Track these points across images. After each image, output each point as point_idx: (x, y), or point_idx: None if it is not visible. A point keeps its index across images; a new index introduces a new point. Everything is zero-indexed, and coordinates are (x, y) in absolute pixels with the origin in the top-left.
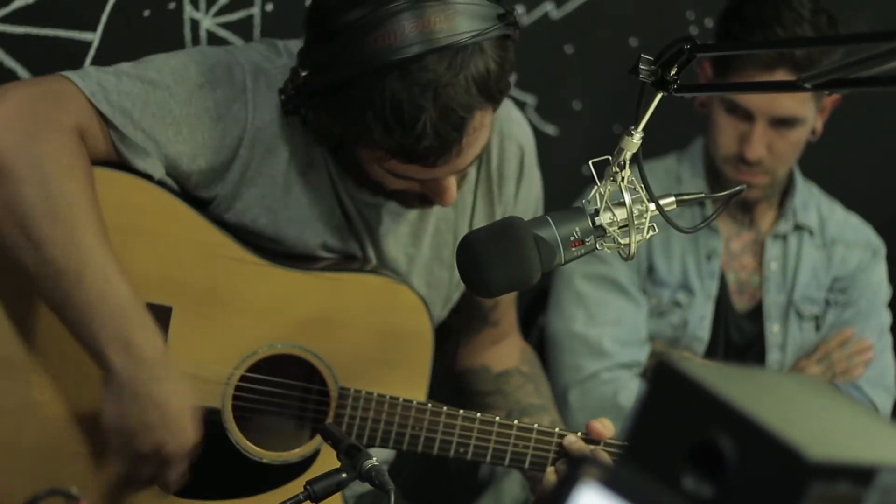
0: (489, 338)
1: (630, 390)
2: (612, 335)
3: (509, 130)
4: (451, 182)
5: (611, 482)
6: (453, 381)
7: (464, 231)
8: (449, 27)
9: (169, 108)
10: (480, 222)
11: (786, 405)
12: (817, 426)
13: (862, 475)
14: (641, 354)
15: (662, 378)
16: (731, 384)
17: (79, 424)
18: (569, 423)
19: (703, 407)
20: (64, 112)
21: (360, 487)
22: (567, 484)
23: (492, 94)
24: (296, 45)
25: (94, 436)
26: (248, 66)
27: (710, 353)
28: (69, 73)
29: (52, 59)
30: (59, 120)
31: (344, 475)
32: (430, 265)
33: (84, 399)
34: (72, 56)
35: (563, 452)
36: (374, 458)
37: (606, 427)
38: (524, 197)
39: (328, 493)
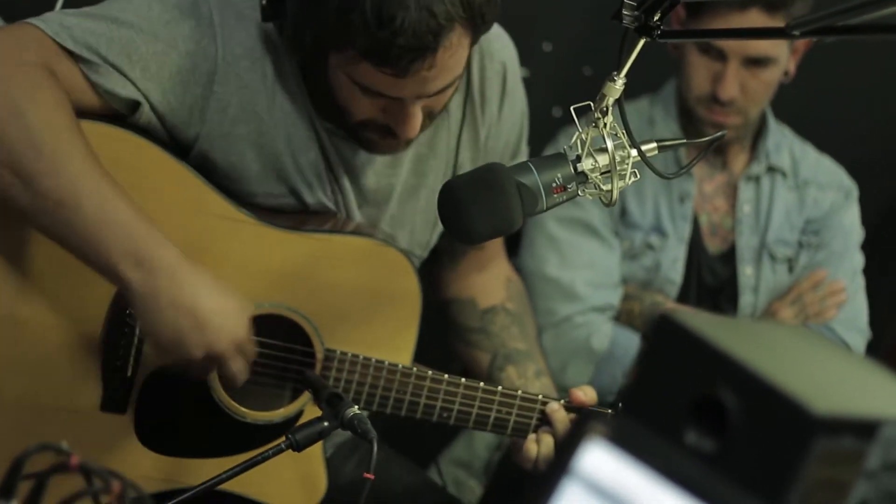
0: (475, 260)
1: (603, 333)
2: (584, 278)
3: (489, 48)
4: (416, 110)
5: (617, 438)
6: (439, 309)
7: (448, 153)
8: None
9: (135, 46)
10: (466, 144)
11: (788, 358)
12: (820, 380)
13: (865, 429)
14: (614, 297)
15: (663, 332)
16: (733, 338)
17: (59, 378)
18: None
19: (706, 361)
20: (28, 51)
21: (339, 437)
22: (573, 441)
23: (474, 15)
24: None
25: (72, 389)
26: (213, 0)
27: (683, 295)
28: (30, 20)
29: (20, 6)
30: (25, 57)
31: (326, 423)
32: (414, 191)
33: (64, 352)
34: (40, 1)
35: (545, 420)
36: (356, 407)
37: (588, 395)
38: (507, 115)
39: (310, 442)
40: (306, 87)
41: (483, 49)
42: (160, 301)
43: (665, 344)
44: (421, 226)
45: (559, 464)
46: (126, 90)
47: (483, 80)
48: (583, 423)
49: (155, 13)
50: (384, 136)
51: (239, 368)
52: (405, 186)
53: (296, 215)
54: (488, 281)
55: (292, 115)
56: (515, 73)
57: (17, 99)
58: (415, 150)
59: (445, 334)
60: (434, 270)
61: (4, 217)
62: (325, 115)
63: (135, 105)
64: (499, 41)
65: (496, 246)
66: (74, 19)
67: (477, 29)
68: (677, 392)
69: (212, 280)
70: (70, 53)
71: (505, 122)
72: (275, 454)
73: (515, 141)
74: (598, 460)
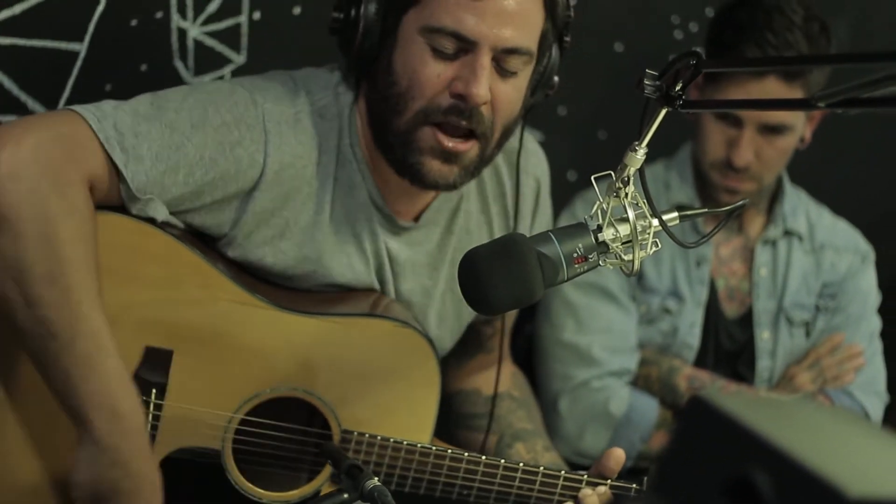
0: (481, 363)
1: (620, 398)
2: (601, 343)
3: (525, 164)
4: (487, 62)
5: None
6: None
7: None
8: None
9: (185, 152)
10: None
11: (820, 438)
12: (854, 460)
13: None
14: (631, 362)
15: (695, 413)
16: (764, 417)
17: (51, 483)
18: (558, 430)
19: (738, 442)
20: (76, 164)
21: None
22: None
23: None
24: (312, 79)
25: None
26: (267, 106)
27: (700, 359)
28: (85, 111)
29: (40, 70)
30: (71, 175)
31: (346, 496)
32: (444, 297)
33: (58, 458)
34: (59, 67)
35: (566, 486)
36: (376, 479)
37: (616, 461)
38: (538, 230)
39: None
40: (376, 103)
41: (519, 165)
42: (116, 458)
43: (697, 425)
44: (447, 332)
45: None
46: (153, 211)
47: (518, 196)
48: None
49: (209, 116)
50: (436, 157)
51: None
52: (440, 291)
53: (324, 294)
54: (493, 374)
55: (353, 211)
56: (547, 187)
57: (52, 224)
58: (451, 257)
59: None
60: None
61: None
62: (384, 135)
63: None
64: (534, 156)
65: (504, 349)
66: (129, 120)
67: (553, 5)
68: (710, 473)
69: (153, 455)
70: (114, 164)
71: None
72: None
73: None
74: None
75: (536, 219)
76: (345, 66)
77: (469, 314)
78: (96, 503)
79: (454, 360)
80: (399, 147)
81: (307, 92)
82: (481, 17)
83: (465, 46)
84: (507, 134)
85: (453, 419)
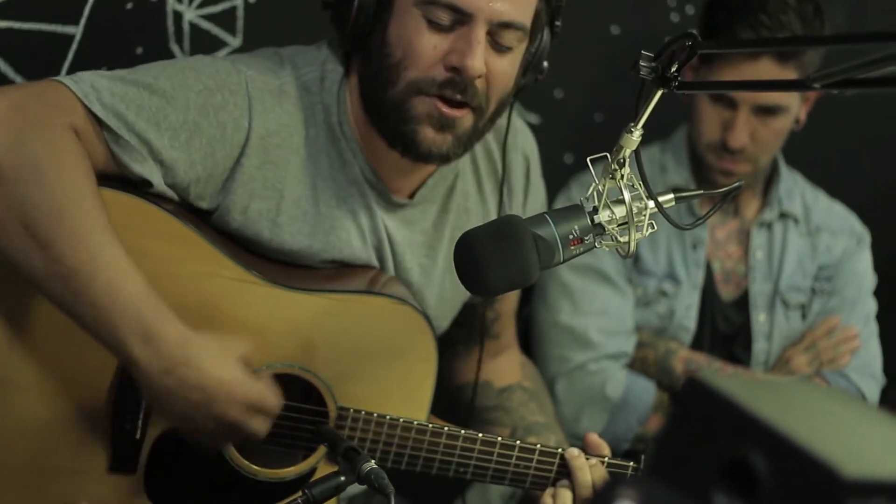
0: (490, 350)
1: (617, 381)
2: (598, 326)
3: (514, 141)
4: (482, 36)
5: (647, 502)
6: (452, 396)
7: None
8: None
9: (165, 114)
10: None
11: (816, 419)
12: (850, 440)
13: None
14: (628, 345)
15: (691, 394)
16: (760, 398)
17: (68, 440)
18: (556, 413)
19: (734, 423)
20: (56, 112)
21: (353, 489)
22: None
23: None
24: (300, 55)
25: (81, 451)
26: (250, 73)
27: (697, 342)
28: (62, 77)
29: (35, 54)
30: (52, 119)
31: (342, 478)
32: (443, 277)
33: (73, 414)
34: (54, 50)
35: (563, 472)
36: (373, 461)
37: (603, 446)
38: (531, 207)
39: (327, 497)
40: (369, 79)
41: (507, 142)
42: (168, 379)
43: (694, 406)
44: (446, 311)
45: None
46: (142, 168)
47: (509, 173)
48: (612, 487)
49: (189, 81)
50: (432, 125)
51: (257, 427)
52: (437, 273)
53: (323, 270)
54: (503, 364)
55: (345, 186)
56: (537, 164)
57: (42, 162)
58: (449, 237)
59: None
60: (448, 359)
61: (7, 283)
62: (377, 107)
63: (148, 181)
64: (521, 134)
65: (510, 334)
66: (106, 82)
67: None
68: (707, 455)
69: (218, 350)
70: (97, 119)
71: (530, 212)
72: None
73: None
74: None
75: (529, 196)
76: (338, 41)
77: (466, 294)
78: (192, 426)
79: (462, 349)
80: (393, 116)
81: (293, 66)
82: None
83: (461, 19)
84: (500, 109)
85: (463, 411)
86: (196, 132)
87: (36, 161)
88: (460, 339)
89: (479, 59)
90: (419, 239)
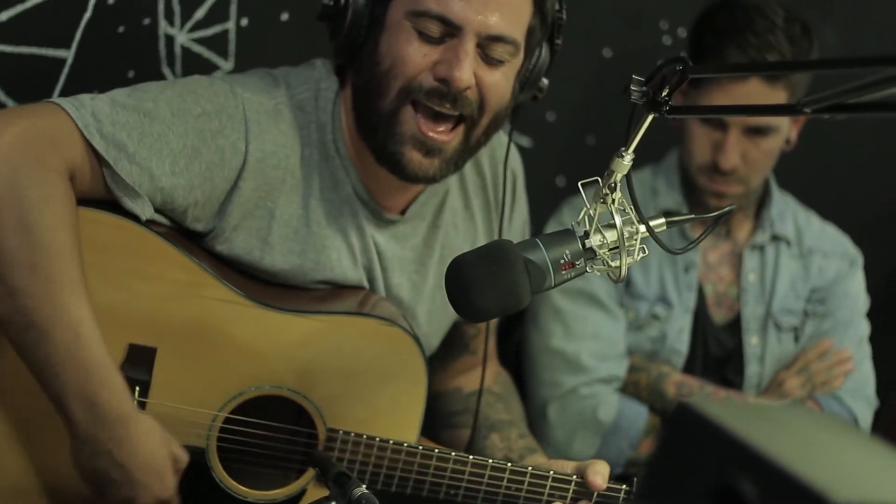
0: (465, 364)
1: (609, 405)
2: (590, 350)
3: (502, 156)
4: (471, 49)
5: None
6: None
7: None
8: None
9: (166, 140)
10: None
11: (806, 444)
12: (839, 466)
13: None
14: (620, 369)
15: (681, 419)
16: (750, 424)
17: (55, 459)
18: (547, 438)
19: (724, 449)
20: (56, 151)
21: None
22: None
23: None
24: (293, 75)
25: (69, 472)
26: (247, 95)
27: (689, 366)
28: (63, 102)
29: (27, 77)
30: (50, 163)
31: (333, 503)
32: (433, 294)
33: (60, 434)
34: (46, 73)
35: (555, 486)
36: (364, 486)
37: (602, 473)
38: (516, 222)
39: None
40: (353, 99)
41: (495, 157)
42: (98, 449)
43: (683, 432)
44: (436, 328)
45: None
46: (133, 203)
47: (496, 187)
48: None
49: (188, 106)
50: (417, 149)
51: None
52: (427, 289)
53: (316, 292)
54: (475, 373)
55: (337, 205)
56: (522, 181)
57: (31, 212)
58: (439, 253)
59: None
60: None
61: None
62: (368, 118)
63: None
64: (510, 152)
65: (489, 351)
66: (108, 110)
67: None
68: (697, 480)
69: (157, 440)
70: (95, 152)
71: (514, 228)
72: None
73: None
74: None
75: (515, 210)
76: (332, 54)
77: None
78: (101, 492)
79: (438, 363)
80: (382, 131)
81: (287, 85)
82: (468, 2)
83: (451, 31)
84: (495, 123)
85: (436, 420)
86: (195, 157)
87: (23, 208)
88: (436, 353)
89: (466, 70)
90: (410, 255)
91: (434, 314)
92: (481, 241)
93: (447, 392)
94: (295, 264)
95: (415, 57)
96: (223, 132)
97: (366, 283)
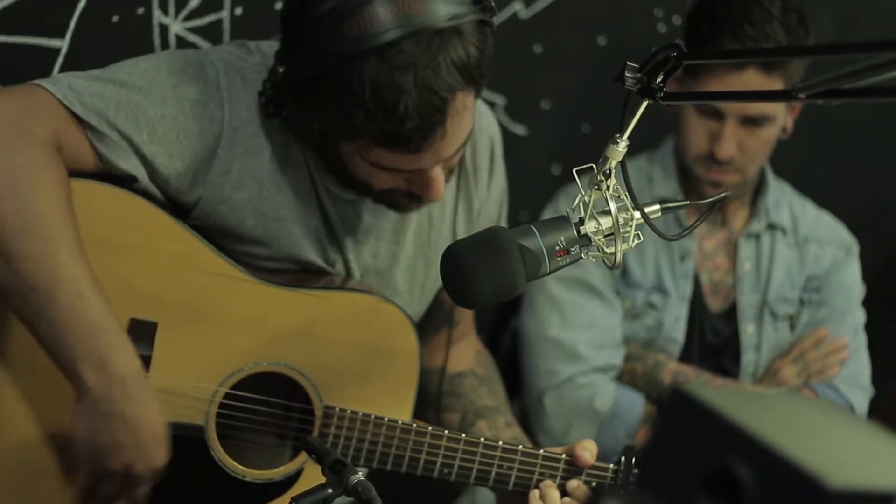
0: (448, 337)
1: (606, 394)
2: (586, 339)
3: (479, 123)
4: (438, 173)
5: None
6: None
7: (446, 225)
8: (424, 11)
9: (143, 110)
10: (461, 216)
11: (801, 430)
12: (834, 451)
13: (881, 501)
14: (616, 357)
15: (677, 405)
16: (746, 410)
17: (53, 440)
18: (544, 427)
19: (720, 434)
20: (38, 122)
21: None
22: None
23: (472, 77)
24: (267, 44)
25: (67, 452)
26: (220, 64)
27: (685, 354)
28: (40, 81)
29: (21, 67)
30: (34, 131)
31: (330, 490)
32: (413, 262)
33: (58, 415)
34: (40, 63)
35: (546, 465)
36: (361, 473)
37: (590, 450)
38: (494, 189)
39: None
40: (323, 162)
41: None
42: (109, 409)
43: (679, 417)
44: (418, 297)
45: None
46: (127, 163)
47: (475, 153)
48: (597, 499)
49: (163, 76)
50: (411, 200)
51: (145, 492)
52: (407, 255)
53: (292, 274)
54: (457, 351)
55: (295, 181)
56: (500, 148)
57: (18, 176)
58: (416, 221)
59: None
60: None
61: None
62: (348, 185)
63: (133, 176)
64: (486, 117)
65: (468, 322)
66: (84, 82)
67: (478, 86)
68: (692, 465)
69: (158, 401)
70: (78, 119)
71: (493, 196)
72: None
73: (496, 217)
74: None
75: (493, 177)
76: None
77: (439, 284)
78: (97, 457)
79: (421, 337)
80: (369, 193)
81: (262, 55)
82: (421, 158)
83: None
84: None
85: (420, 398)
86: (172, 126)
87: (13, 176)
88: (420, 323)
89: (441, 189)
90: (387, 225)
91: (415, 282)
92: (459, 209)
93: (431, 371)
94: (279, 233)
95: (384, 179)
96: (200, 101)
97: (339, 250)
